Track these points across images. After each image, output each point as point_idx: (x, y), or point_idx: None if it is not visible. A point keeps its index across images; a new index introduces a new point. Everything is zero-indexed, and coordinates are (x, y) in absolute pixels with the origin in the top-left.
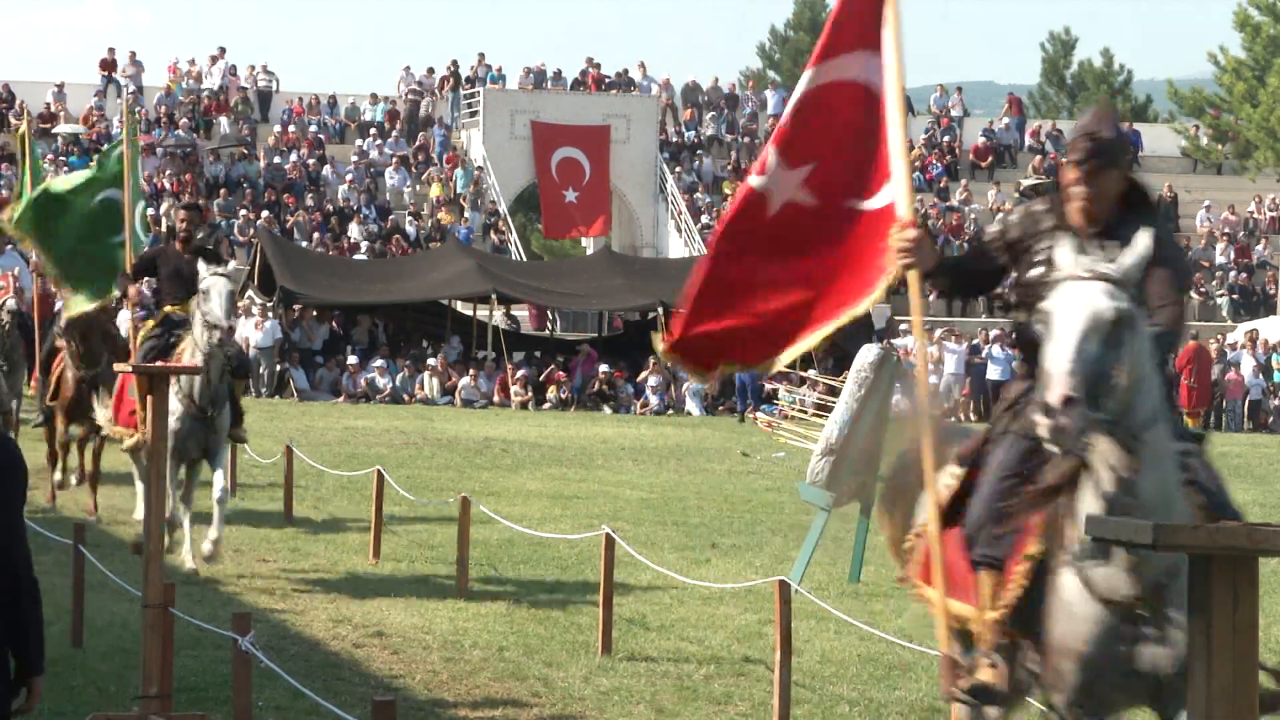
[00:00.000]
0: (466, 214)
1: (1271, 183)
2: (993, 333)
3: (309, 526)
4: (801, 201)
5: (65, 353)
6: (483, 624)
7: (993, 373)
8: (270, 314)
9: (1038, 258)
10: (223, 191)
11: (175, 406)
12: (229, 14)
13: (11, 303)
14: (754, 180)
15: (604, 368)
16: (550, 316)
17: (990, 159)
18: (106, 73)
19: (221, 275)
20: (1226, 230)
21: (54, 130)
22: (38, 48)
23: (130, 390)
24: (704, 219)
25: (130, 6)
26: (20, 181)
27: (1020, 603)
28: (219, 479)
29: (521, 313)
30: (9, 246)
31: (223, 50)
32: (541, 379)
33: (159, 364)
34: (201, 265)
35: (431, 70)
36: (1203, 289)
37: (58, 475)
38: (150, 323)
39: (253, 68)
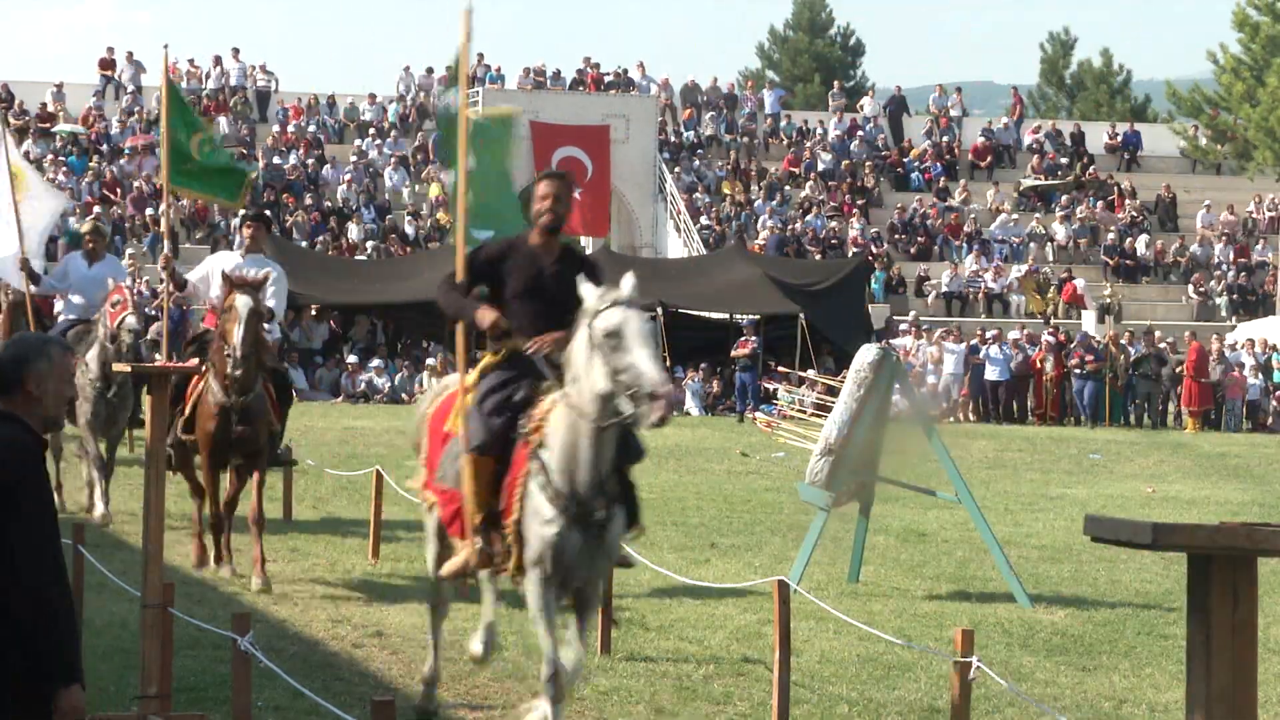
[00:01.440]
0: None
1: (1271, 183)
2: (990, 333)
3: (308, 527)
4: None
5: (211, 374)
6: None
7: (991, 373)
8: None
9: None
10: None
11: (545, 509)
12: (228, 14)
13: (132, 320)
14: None
15: None
16: None
17: (990, 159)
18: (106, 73)
19: (629, 305)
20: (1226, 230)
21: (53, 130)
22: (37, 48)
23: (446, 475)
24: (703, 219)
25: (130, 6)
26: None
27: None
28: (577, 645)
29: None
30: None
31: (236, 51)
32: None
33: (158, 364)
34: (587, 288)
35: (431, 70)
36: (1202, 289)
37: (209, 556)
38: (489, 357)
39: (252, 68)
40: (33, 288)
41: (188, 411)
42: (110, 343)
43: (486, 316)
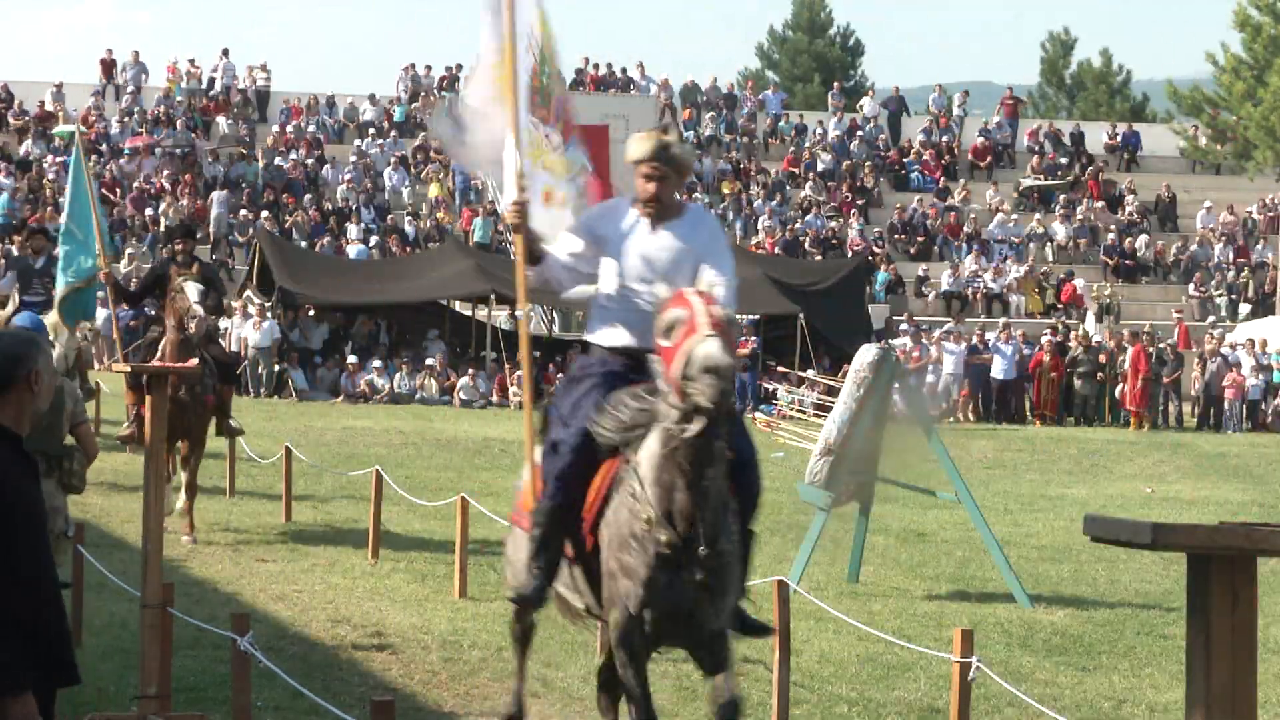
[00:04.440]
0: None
1: (1271, 183)
2: (989, 335)
3: (308, 526)
4: None
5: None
6: (482, 624)
7: (992, 372)
8: (269, 314)
9: None
10: (223, 192)
11: None
12: (229, 14)
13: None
14: None
15: None
16: (550, 316)
17: (989, 159)
18: (106, 73)
19: None
20: (1225, 230)
21: (52, 131)
22: (37, 48)
23: None
24: None
25: (130, 6)
26: None
27: None
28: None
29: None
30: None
31: (225, 51)
32: (540, 381)
33: (157, 364)
34: None
35: (429, 68)
36: (1202, 289)
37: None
38: None
39: (251, 68)
40: (529, 271)
41: None
42: (697, 415)
43: None
